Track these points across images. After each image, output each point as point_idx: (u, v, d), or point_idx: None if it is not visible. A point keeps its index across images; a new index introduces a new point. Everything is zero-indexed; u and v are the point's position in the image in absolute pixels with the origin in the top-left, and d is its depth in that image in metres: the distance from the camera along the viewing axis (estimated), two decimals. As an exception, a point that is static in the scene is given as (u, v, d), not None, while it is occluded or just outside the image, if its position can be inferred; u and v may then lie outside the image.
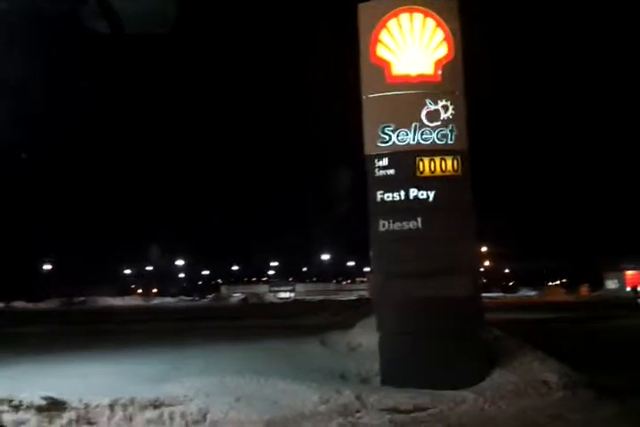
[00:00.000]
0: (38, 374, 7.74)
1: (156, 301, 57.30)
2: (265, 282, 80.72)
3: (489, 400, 7.00)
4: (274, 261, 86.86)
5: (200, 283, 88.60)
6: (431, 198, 7.88)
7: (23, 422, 6.00)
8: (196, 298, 65.45)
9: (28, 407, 6.14)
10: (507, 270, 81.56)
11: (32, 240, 56.19)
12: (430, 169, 7.93)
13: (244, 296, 54.32)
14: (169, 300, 60.05)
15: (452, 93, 8.15)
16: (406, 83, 8.08)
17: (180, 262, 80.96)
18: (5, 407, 6.11)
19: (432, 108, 8.00)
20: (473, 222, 8.22)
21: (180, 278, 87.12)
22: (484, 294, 10.43)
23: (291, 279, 78.22)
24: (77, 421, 6.05)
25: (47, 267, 67.65)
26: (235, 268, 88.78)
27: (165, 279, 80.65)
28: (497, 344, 8.55)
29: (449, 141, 7.99)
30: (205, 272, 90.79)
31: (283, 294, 65.00)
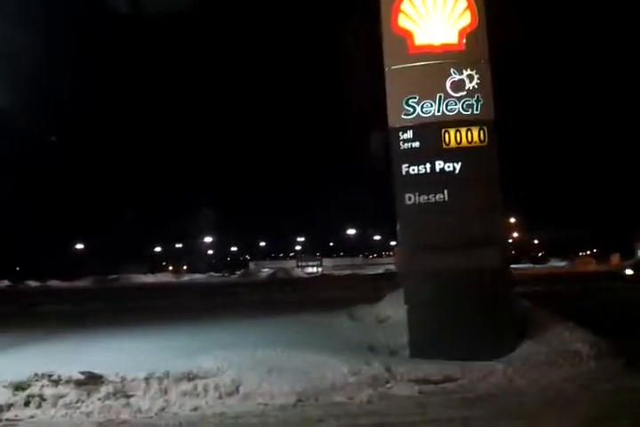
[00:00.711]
0: (75, 350, 7.99)
1: (186, 277, 58.27)
2: (292, 257, 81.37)
3: (518, 371, 7.02)
4: (300, 236, 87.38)
5: (228, 259, 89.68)
6: (457, 170, 7.80)
7: (63, 396, 6.22)
8: (225, 274, 66.38)
9: (67, 382, 6.36)
10: (536, 241, 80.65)
11: (65, 220, 57.43)
12: (456, 140, 7.82)
13: (271, 272, 54.92)
14: (198, 276, 61.02)
15: (476, 62, 7.98)
16: (430, 53, 7.93)
17: (208, 239, 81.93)
18: (46, 382, 6.34)
19: (457, 77, 7.85)
20: (500, 193, 8.12)
21: (209, 255, 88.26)
22: (512, 266, 10.37)
23: (317, 254, 78.66)
24: (114, 394, 6.25)
25: (80, 246, 69.18)
26: (262, 244, 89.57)
27: (194, 256, 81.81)
28: (526, 315, 8.52)
29: (475, 112, 7.86)
30: (234, 248, 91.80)
31: (310, 269, 65.52)
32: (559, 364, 7.33)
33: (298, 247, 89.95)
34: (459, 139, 7.82)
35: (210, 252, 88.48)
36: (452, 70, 7.85)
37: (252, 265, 72.17)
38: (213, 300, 19.28)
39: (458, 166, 7.79)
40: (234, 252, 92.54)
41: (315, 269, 66.13)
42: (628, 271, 26.53)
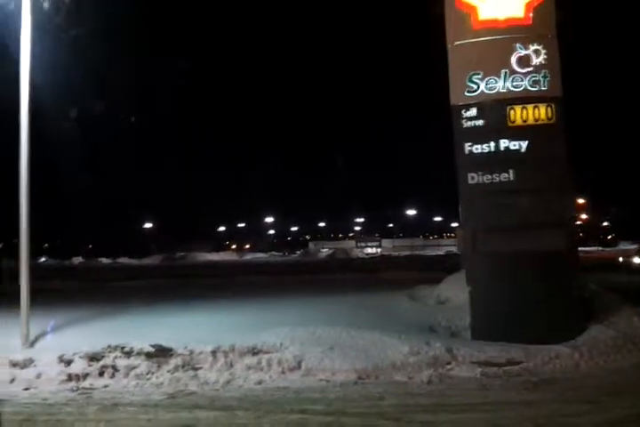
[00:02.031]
0: (145, 324, 8.35)
1: (249, 256, 59.43)
2: (351, 238, 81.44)
3: (585, 356, 6.84)
4: (360, 217, 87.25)
5: (289, 239, 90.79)
6: (523, 149, 7.57)
7: (134, 367, 6.54)
8: (286, 254, 67.25)
9: (139, 354, 6.68)
10: (605, 224, 77.43)
11: (135, 200, 59.70)
12: (522, 118, 7.58)
13: (331, 252, 55.21)
14: (260, 255, 62.12)
15: (544, 37, 7.68)
16: (494, 28, 7.68)
17: (269, 219, 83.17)
18: (118, 354, 6.68)
19: (523, 53, 7.58)
20: (568, 173, 7.85)
21: (270, 235, 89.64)
22: (580, 249, 10.04)
23: (377, 235, 78.39)
24: (183, 366, 6.53)
25: (149, 225, 71.69)
26: (322, 224, 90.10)
27: (256, 236, 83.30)
28: (594, 299, 8.26)
29: (542, 88, 7.58)
30: (294, 229, 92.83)
31: (369, 250, 65.43)
32: (628, 349, 7.10)
33: (357, 228, 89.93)
34: (525, 116, 7.58)
35: (271, 232, 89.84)
36: (517, 45, 7.58)
37: (311, 245, 72.79)
38: (275, 278, 19.62)
39: (524, 145, 7.56)
40: (294, 232, 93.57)
41: (374, 250, 66.01)
42: (637, 260, 22.18)
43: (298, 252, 64.19)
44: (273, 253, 67.64)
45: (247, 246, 78.38)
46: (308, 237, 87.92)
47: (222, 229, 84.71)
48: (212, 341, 6.92)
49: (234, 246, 78.54)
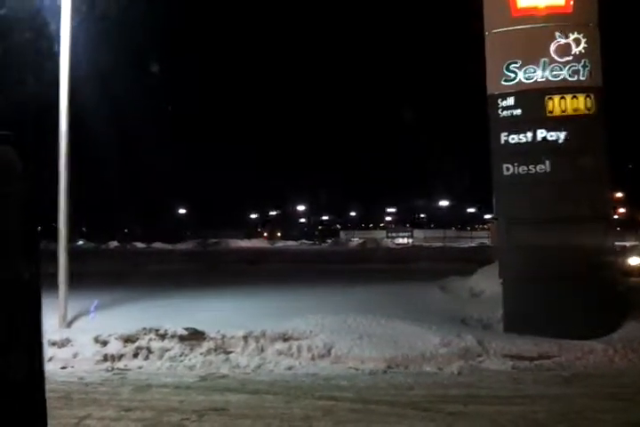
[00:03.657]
0: (179, 308, 8.51)
1: (280, 244, 59.74)
2: (382, 228, 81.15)
3: (619, 352, 6.72)
4: (391, 207, 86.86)
5: (320, 228, 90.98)
6: (561, 140, 7.42)
7: (168, 350, 6.69)
8: (317, 242, 67.40)
9: (172, 337, 6.82)
10: (643, 217, 75.31)
11: (170, 187, 60.68)
12: (561, 108, 7.42)
13: (361, 241, 55.05)
14: (292, 243, 62.38)
15: (584, 26, 7.48)
16: (534, 15, 7.51)
17: (301, 208, 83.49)
18: (153, 336, 6.84)
19: (562, 41, 7.40)
20: (607, 166, 7.66)
21: (302, 223, 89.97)
22: (617, 243, 9.82)
23: (408, 225, 77.93)
24: (215, 350, 6.65)
25: (183, 211, 72.71)
26: (353, 214, 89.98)
27: (288, 224, 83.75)
28: (630, 296, 8.09)
29: (581, 78, 7.40)
30: (325, 217, 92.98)
31: (400, 240, 65.02)
32: (665, 346, 6.93)
33: (388, 218, 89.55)
34: (563, 106, 7.41)
35: (302, 220, 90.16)
36: (557, 34, 7.41)
37: (342, 234, 72.72)
38: (306, 266, 19.72)
39: (562, 136, 7.41)
40: (325, 220, 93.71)
41: (405, 241, 65.61)
42: (634, 261, 15.70)
43: (329, 240, 64.24)
44: (304, 241, 67.86)
45: (279, 234, 78.79)
46: (338, 226, 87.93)
47: (254, 216, 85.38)
48: (243, 326, 7.02)
49: (265, 234, 79.04)
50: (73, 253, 8.36)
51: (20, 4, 8.54)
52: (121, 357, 6.63)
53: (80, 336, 6.97)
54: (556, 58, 7.40)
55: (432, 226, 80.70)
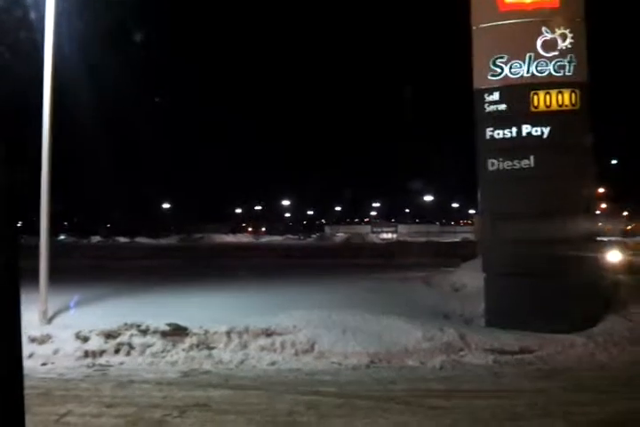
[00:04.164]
0: (161, 303, 8.45)
1: (265, 239, 59.66)
2: (367, 223, 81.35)
3: (600, 346, 6.78)
4: (376, 202, 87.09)
5: (305, 222, 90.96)
6: (546, 135, 7.44)
7: (150, 345, 6.62)
8: (301, 237, 67.42)
9: (154, 332, 6.76)
10: (625, 213, 76.31)
11: (153, 180, 60.27)
12: (546, 103, 7.44)
13: (346, 236, 55.13)
14: (276, 238, 62.31)
15: (571, 21, 7.49)
16: (520, 10, 7.51)
17: (286, 202, 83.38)
18: (134, 332, 6.77)
19: (549, 36, 7.41)
20: (591, 161, 7.70)
21: (286, 218, 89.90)
22: (600, 238, 9.91)
23: (392, 220, 78.19)
24: (198, 345, 6.60)
25: (166, 206, 72.24)
26: (338, 208, 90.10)
27: (272, 219, 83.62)
28: (613, 290, 8.17)
29: (567, 73, 7.42)
30: (310, 212, 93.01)
31: (385, 235, 65.26)
32: (645, 341, 7.01)
33: (373, 213, 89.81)
34: (548, 102, 7.43)
35: (287, 215, 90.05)
36: (543, 29, 7.42)
37: (327, 229, 72.83)
38: (290, 261, 19.72)
39: (546, 131, 7.43)
40: (310, 215, 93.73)
41: (389, 236, 65.84)
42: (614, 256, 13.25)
43: (313, 235, 64.27)
44: (288, 236, 67.82)
45: (263, 229, 78.68)
46: (323, 221, 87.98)
47: (239, 211, 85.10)
48: (226, 321, 6.97)
49: (250, 229, 78.88)
50: (54, 248, 8.24)
51: None
52: (102, 353, 6.56)
53: (61, 332, 6.88)
54: (542, 53, 7.41)
55: (417, 221, 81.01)
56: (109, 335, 6.74)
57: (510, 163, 7.53)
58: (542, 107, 7.46)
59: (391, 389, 5.47)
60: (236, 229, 68.75)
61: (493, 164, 7.62)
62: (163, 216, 68.53)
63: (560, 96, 7.43)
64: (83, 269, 14.12)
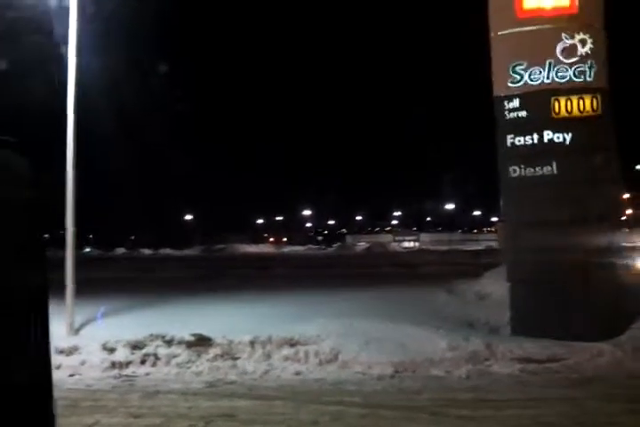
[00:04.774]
0: (186, 314, 8.50)
1: (286, 249, 59.78)
2: (388, 232, 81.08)
3: (629, 354, 6.66)
4: (397, 211, 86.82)
5: (326, 232, 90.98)
6: (568, 141, 7.38)
7: (175, 356, 6.67)
8: (323, 247, 67.39)
9: (179, 343, 6.81)
10: (651, 219, 74.87)
11: (175, 193, 60.95)
12: (567, 109, 7.39)
13: (368, 245, 55.02)
14: (298, 248, 62.40)
15: (590, 26, 7.45)
16: (539, 16, 7.49)
17: (307, 212, 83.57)
18: (160, 342, 6.83)
19: (568, 42, 7.38)
20: (615, 167, 7.62)
21: (307, 228, 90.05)
22: (626, 244, 9.75)
23: (414, 229, 77.82)
24: (222, 356, 6.63)
25: (189, 217, 72.90)
26: (359, 218, 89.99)
27: (294, 229, 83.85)
28: (638, 297, 8.02)
29: (587, 79, 7.37)
30: (331, 222, 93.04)
31: (406, 244, 64.98)
32: (675, 348, 6.86)
33: (394, 222, 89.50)
34: (569, 108, 7.38)
35: (308, 225, 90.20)
36: (563, 35, 7.39)
37: (348, 238, 72.71)
38: (312, 271, 19.71)
39: (568, 137, 7.37)
40: (331, 225, 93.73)
41: (411, 244, 65.53)
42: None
43: (335, 245, 64.23)
44: (310, 246, 67.88)
45: (284, 239, 78.88)
46: (344, 230, 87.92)
47: (260, 221, 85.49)
48: (250, 331, 7.00)
49: (272, 239, 79.14)
50: (80, 261, 8.37)
51: (28, 6, 8.58)
52: (128, 364, 6.62)
53: (88, 343, 6.97)
54: (562, 59, 7.38)
55: (439, 229, 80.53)
56: (135, 346, 6.80)
57: (532, 169, 7.47)
58: (563, 113, 7.41)
59: (416, 399, 5.43)
60: (258, 240, 69.06)
61: (515, 170, 7.57)
62: (185, 228, 69.16)
63: (581, 102, 7.37)
64: (108, 281, 14.28)
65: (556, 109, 7.41)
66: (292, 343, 6.80)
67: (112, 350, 6.77)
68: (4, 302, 0.91)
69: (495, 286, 8.86)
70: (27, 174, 0.94)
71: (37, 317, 0.98)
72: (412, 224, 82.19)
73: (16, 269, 0.92)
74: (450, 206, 76.44)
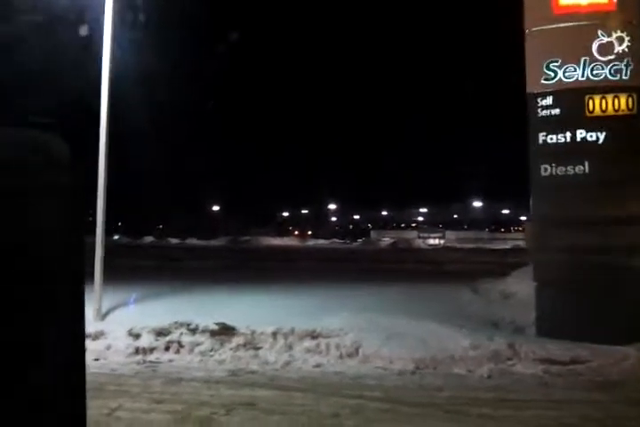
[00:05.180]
0: (211, 303, 8.61)
1: (311, 242, 59.91)
2: (413, 228, 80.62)
3: (656, 359, 6.53)
4: (423, 207, 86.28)
5: (351, 227, 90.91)
6: (601, 140, 7.25)
7: (199, 344, 6.77)
8: (347, 241, 67.36)
9: (203, 331, 6.90)
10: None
11: (203, 184, 61.59)
12: (601, 108, 7.25)
13: (392, 241, 54.81)
14: (322, 242, 62.48)
15: (628, 23, 7.28)
16: (576, 13, 7.35)
17: (332, 206, 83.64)
18: (184, 330, 6.93)
19: (605, 40, 7.22)
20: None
21: (332, 222, 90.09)
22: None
23: (440, 226, 77.24)
24: (244, 345, 6.71)
25: (216, 208, 73.57)
26: (384, 213, 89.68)
27: (318, 222, 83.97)
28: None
29: (623, 77, 7.21)
30: (356, 217, 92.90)
31: (432, 241, 64.52)
32: None
33: (420, 218, 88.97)
34: (604, 106, 7.24)
35: (333, 219, 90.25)
36: (599, 32, 7.24)
37: (373, 234, 72.51)
38: (337, 265, 19.73)
39: (602, 136, 7.23)
40: (356, 220, 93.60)
41: (437, 241, 65.04)
42: None
43: (359, 240, 64.16)
44: (334, 240, 67.88)
45: (309, 233, 79.01)
46: (369, 225, 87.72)
47: (286, 214, 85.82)
48: (272, 322, 7.06)
49: (296, 232, 79.37)
50: (109, 248, 8.52)
51: (65, 5, 8.76)
52: (153, 350, 6.73)
53: (114, 329, 7.10)
54: (598, 56, 7.24)
55: (465, 227, 79.78)
56: (160, 333, 6.91)
57: (564, 168, 7.36)
58: (598, 111, 7.27)
59: (437, 396, 5.42)
60: (283, 233, 69.34)
61: (546, 169, 7.47)
62: (212, 219, 69.80)
63: (616, 100, 7.22)
64: (135, 269, 14.51)
65: (590, 108, 7.28)
66: (314, 336, 6.83)
67: (137, 336, 6.89)
68: (46, 289, 0.93)
69: (521, 285, 8.77)
70: (68, 159, 0.95)
71: (75, 303, 1.01)
72: (438, 221, 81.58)
73: (57, 255, 0.95)
74: (477, 204, 75.65)
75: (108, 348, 6.76)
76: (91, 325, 7.24)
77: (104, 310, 7.88)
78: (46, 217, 0.91)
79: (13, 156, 0.89)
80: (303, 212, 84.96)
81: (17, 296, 0.88)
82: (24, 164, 0.90)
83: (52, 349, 0.95)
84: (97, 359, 6.54)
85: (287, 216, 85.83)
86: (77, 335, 1.04)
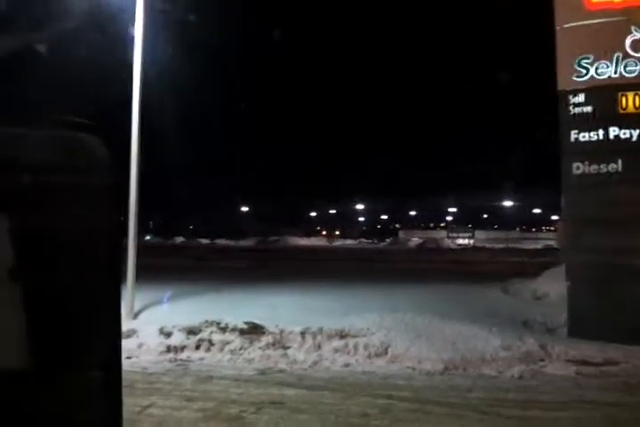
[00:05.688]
0: (240, 302, 8.70)
1: (339, 242, 59.96)
2: (442, 228, 79.97)
3: (692, 361, 6.37)
4: (452, 207, 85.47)
5: (379, 227, 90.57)
6: (635, 138, 7.09)
7: (229, 343, 6.83)
8: (375, 241, 67.17)
9: (233, 330, 6.97)
10: None
11: (233, 184, 62.16)
12: (635, 105, 7.10)
13: (421, 241, 54.49)
14: (350, 242, 62.44)
15: (663, 18, 7.12)
16: (608, 9, 7.21)
17: (360, 206, 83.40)
18: (214, 329, 7.01)
19: (638, 36, 7.07)
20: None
21: (360, 222, 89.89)
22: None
23: (470, 226, 76.44)
24: (273, 344, 6.75)
25: (245, 209, 74.15)
26: (412, 213, 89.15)
27: (347, 222, 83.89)
28: None
29: (658, 73, 7.05)
30: (384, 217, 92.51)
31: (461, 241, 63.97)
32: None
33: (449, 218, 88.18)
34: (638, 103, 7.09)
35: (361, 219, 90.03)
36: (633, 28, 7.09)
37: (401, 234, 72.19)
38: (365, 265, 19.69)
39: (635, 134, 7.09)
40: (384, 220, 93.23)
41: (466, 241, 64.45)
42: None
43: (387, 240, 63.90)
44: (362, 240, 67.76)
45: (337, 233, 79.03)
46: (397, 225, 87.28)
47: (313, 214, 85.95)
48: (301, 322, 7.09)
49: (324, 232, 79.44)
50: (141, 247, 8.66)
51: (95, 6, 8.94)
52: (183, 348, 6.82)
53: (145, 327, 7.21)
54: (632, 53, 7.09)
55: (495, 227, 78.81)
56: (191, 332, 7.00)
57: (597, 167, 7.23)
58: (631, 108, 7.12)
59: (467, 397, 5.37)
60: (311, 233, 69.50)
61: (578, 167, 7.34)
62: (241, 219, 70.34)
63: (651, 97, 7.07)
64: (167, 269, 14.71)
65: (623, 105, 7.13)
66: (343, 335, 6.84)
67: (168, 335, 6.99)
68: (88, 289, 0.96)
69: (553, 285, 8.65)
70: (108, 160, 0.98)
71: (113, 302, 1.04)
72: (468, 221, 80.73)
73: (99, 255, 0.97)
74: (508, 204, 74.63)
75: (140, 346, 6.87)
76: (123, 323, 7.28)
77: (136, 308, 8.01)
78: (89, 218, 0.94)
79: (58, 157, 0.92)
80: (331, 212, 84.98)
81: (61, 295, 0.92)
82: (68, 165, 0.93)
83: (92, 348, 0.97)
84: (129, 358, 6.64)
85: (315, 216, 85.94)
86: (115, 335, 1.07)
